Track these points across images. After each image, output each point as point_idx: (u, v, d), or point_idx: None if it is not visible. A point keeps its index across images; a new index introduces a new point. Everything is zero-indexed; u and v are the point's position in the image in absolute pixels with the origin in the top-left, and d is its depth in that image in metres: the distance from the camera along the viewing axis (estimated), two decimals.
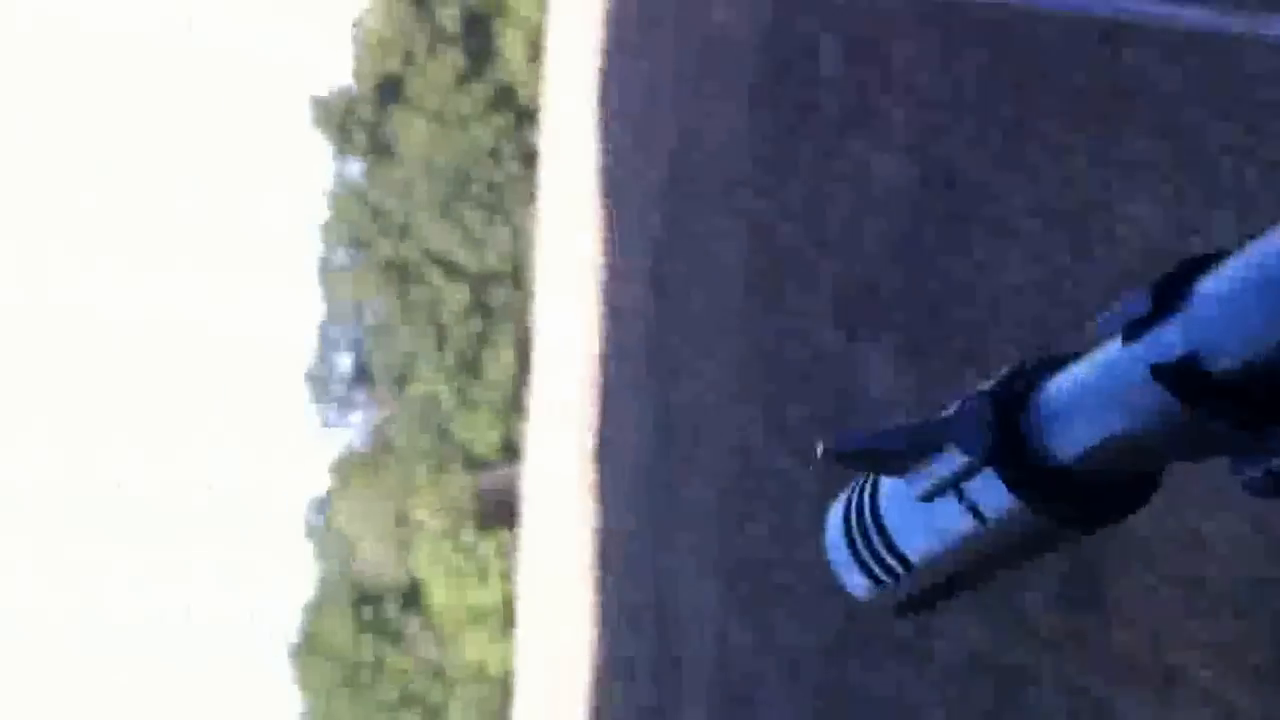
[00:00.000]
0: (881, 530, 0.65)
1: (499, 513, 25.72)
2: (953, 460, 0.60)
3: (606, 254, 15.95)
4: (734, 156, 9.72)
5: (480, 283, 26.43)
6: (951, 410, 0.61)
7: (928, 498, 0.62)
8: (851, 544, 0.67)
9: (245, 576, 71.50)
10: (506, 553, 25.55)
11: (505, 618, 25.22)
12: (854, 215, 6.47)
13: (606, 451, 14.94)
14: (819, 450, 0.64)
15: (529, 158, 25.87)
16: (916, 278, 5.47)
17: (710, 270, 9.84)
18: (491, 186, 26.25)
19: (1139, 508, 0.59)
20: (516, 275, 25.94)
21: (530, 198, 25.37)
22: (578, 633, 15.75)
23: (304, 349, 43.31)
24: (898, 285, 5.67)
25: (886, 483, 0.65)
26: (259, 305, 75.11)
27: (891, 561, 0.65)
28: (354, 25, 27.67)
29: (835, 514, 0.68)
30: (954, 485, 0.60)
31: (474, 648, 25.41)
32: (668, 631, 10.67)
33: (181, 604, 64.80)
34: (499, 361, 25.78)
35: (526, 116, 26.09)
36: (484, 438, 25.73)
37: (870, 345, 6.13)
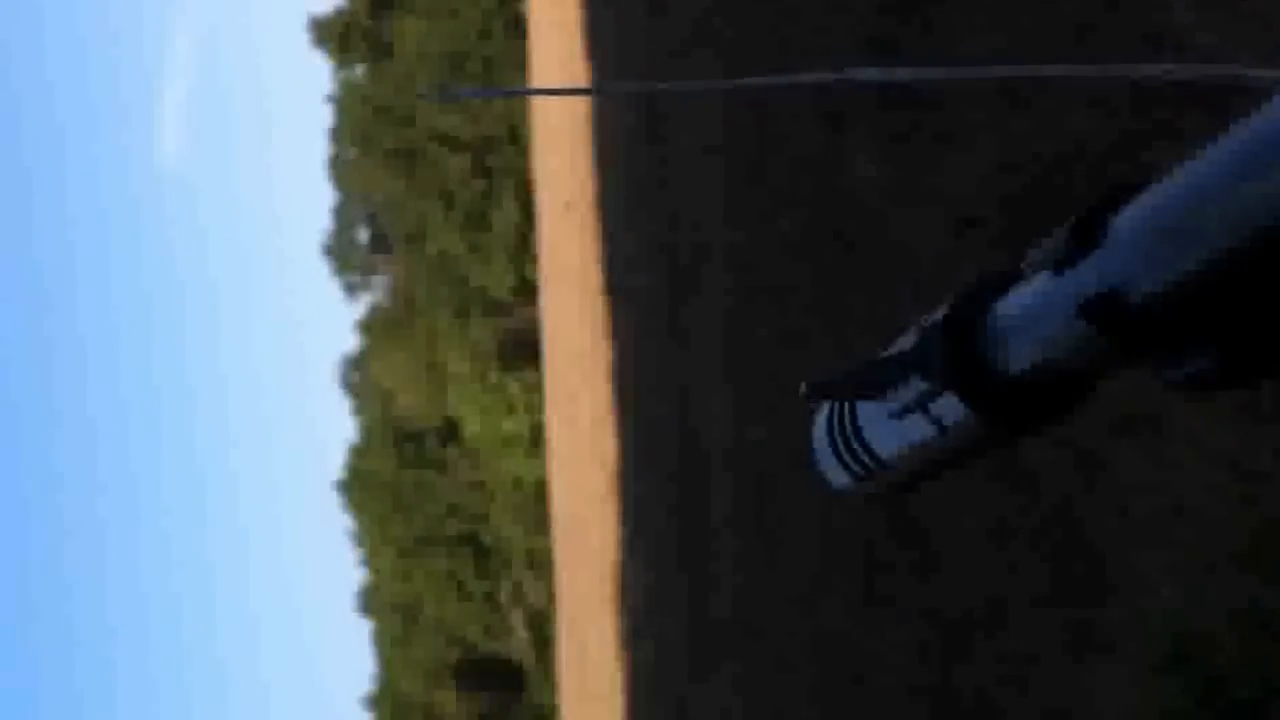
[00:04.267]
0: (860, 438, 0.69)
1: (520, 351, 25.91)
2: (918, 386, 0.63)
3: (596, 108, 15.80)
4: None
5: (480, 149, 26.33)
6: (912, 341, 0.63)
7: (898, 416, 0.65)
8: (834, 447, 0.71)
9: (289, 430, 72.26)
10: (529, 387, 25.84)
11: (532, 441, 25.70)
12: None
13: (614, 285, 14.94)
14: (801, 389, 0.67)
15: (517, 27, 25.70)
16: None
17: (695, 107, 9.62)
18: (485, 62, 25.98)
19: (1075, 411, 0.62)
20: (514, 135, 25.80)
21: (521, 64, 25.16)
22: (605, 441, 15.87)
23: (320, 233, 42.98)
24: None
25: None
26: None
27: (869, 462, 0.69)
28: None
29: (820, 422, 0.72)
30: (920, 406, 0.63)
31: (508, 465, 25.97)
32: (688, 435, 10.71)
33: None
34: (503, 213, 25.76)
35: None
36: (499, 282, 25.83)
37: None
